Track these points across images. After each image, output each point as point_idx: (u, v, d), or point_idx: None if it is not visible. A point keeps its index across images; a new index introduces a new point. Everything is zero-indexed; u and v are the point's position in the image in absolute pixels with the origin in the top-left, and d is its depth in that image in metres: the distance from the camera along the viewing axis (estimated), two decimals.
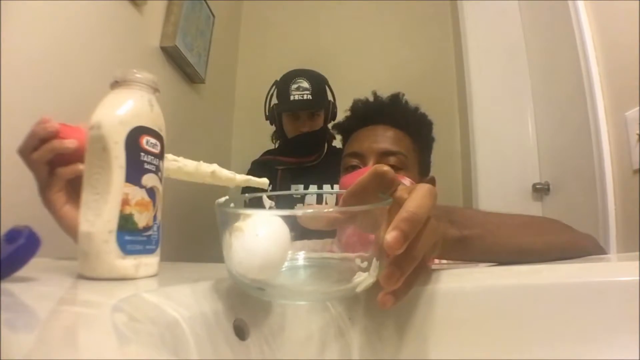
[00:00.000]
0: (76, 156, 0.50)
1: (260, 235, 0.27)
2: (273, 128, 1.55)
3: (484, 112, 1.65)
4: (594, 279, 0.38)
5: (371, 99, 0.90)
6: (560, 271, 0.41)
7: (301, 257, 0.35)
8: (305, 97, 1.38)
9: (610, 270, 0.41)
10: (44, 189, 0.52)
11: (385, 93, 0.92)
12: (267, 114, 1.51)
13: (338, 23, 2.09)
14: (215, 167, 0.54)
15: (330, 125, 1.40)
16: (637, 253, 0.47)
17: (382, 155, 0.80)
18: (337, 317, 0.38)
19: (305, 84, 1.40)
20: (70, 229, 0.52)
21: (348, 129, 0.89)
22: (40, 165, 0.51)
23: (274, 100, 1.49)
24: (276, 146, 1.54)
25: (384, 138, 0.82)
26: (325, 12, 2.10)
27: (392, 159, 0.79)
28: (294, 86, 1.39)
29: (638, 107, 1.00)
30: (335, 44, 2.03)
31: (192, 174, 0.53)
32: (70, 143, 0.50)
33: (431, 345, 0.38)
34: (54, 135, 0.51)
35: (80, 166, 0.50)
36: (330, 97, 1.49)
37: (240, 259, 0.28)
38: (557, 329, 0.36)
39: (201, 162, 0.54)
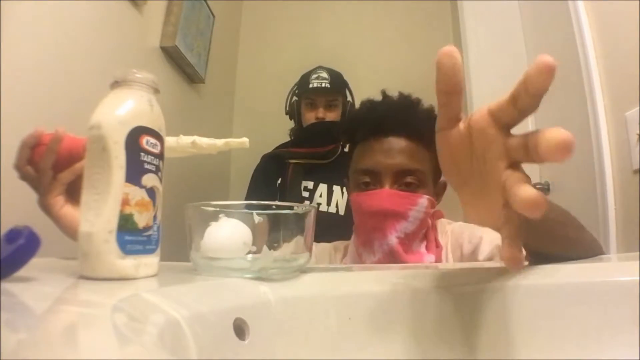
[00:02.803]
0: (71, 159, 0.51)
1: (219, 230, 0.39)
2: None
3: None
4: (594, 279, 0.38)
5: (380, 100, 0.82)
6: (561, 271, 0.41)
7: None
8: (323, 84, 1.45)
9: (610, 270, 0.41)
10: (45, 194, 0.52)
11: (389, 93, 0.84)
12: (287, 109, 1.56)
13: (338, 23, 2.09)
14: (195, 137, 0.54)
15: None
16: (637, 253, 0.47)
17: (399, 174, 0.73)
18: (337, 317, 0.38)
19: (325, 74, 1.47)
20: (69, 229, 0.53)
21: (356, 137, 0.81)
22: (47, 171, 0.51)
23: (295, 98, 1.55)
24: (291, 139, 1.56)
25: (401, 154, 0.74)
26: (325, 13, 2.10)
27: (409, 178, 0.73)
28: (314, 75, 1.47)
29: (638, 107, 1.00)
30: (335, 44, 2.03)
31: (174, 148, 0.53)
32: (59, 133, 0.51)
33: (431, 345, 0.38)
34: (43, 139, 0.51)
35: (77, 165, 0.50)
36: (349, 98, 1.54)
37: (204, 241, 0.39)
38: (557, 329, 0.36)
39: (180, 135, 0.54)
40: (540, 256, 0.42)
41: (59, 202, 0.53)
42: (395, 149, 0.75)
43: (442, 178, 0.84)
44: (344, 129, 0.88)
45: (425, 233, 0.77)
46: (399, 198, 0.72)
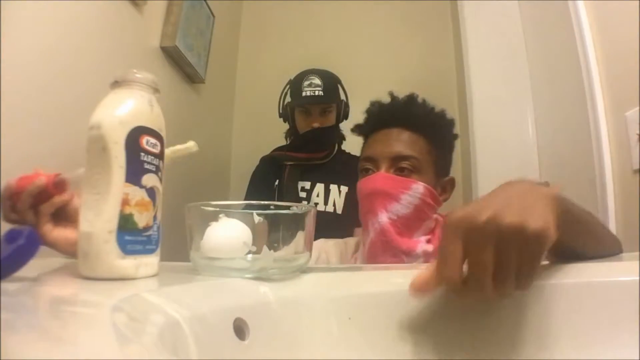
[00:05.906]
0: (48, 192, 0.52)
1: (220, 230, 0.39)
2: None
3: (484, 112, 1.65)
4: (594, 279, 0.38)
5: (387, 99, 0.90)
6: (561, 271, 0.41)
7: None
8: (317, 93, 1.41)
9: (610, 270, 0.42)
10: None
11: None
12: (280, 111, 1.53)
13: (338, 23, 2.09)
14: None
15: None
16: (637, 253, 0.47)
17: (394, 160, 0.80)
18: (337, 317, 0.38)
19: (317, 81, 1.42)
20: (67, 248, 0.54)
21: (365, 131, 0.90)
22: (27, 212, 0.52)
23: (288, 99, 1.52)
24: (288, 142, 1.55)
25: (398, 142, 0.81)
26: (325, 12, 2.10)
27: (404, 163, 0.79)
28: (306, 83, 1.43)
29: (638, 107, 1.00)
30: (335, 44, 2.03)
31: None
32: (39, 180, 0.51)
33: (431, 344, 0.38)
34: (18, 186, 0.52)
35: (56, 199, 0.51)
36: (342, 97, 1.51)
37: (205, 241, 0.40)
38: (557, 329, 0.36)
39: None
40: (570, 254, 0.45)
41: (48, 229, 0.54)
42: (393, 138, 0.82)
43: (452, 175, 0.89)
44: (357, 127, 0.95)
45: (433, 228, 0.81)
46: (391, 180, 0.78)
